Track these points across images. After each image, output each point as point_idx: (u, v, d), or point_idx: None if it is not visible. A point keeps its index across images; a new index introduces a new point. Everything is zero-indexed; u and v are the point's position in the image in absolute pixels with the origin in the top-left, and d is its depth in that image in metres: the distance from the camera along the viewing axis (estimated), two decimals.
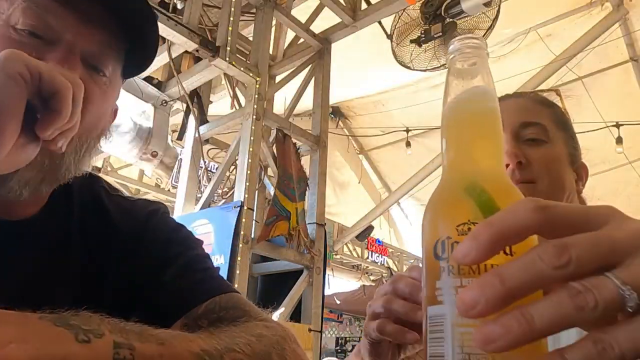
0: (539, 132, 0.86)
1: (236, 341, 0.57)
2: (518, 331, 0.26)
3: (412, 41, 3.67)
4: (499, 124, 0.37)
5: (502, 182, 0.36)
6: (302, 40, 3.87)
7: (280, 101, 3.91)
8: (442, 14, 3.43)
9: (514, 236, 0.29)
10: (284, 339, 0.64)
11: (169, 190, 5.64)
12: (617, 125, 5.05)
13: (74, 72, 0.63)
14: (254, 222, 3.03)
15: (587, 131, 4.44)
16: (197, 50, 3.03)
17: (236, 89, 3.81)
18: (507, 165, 0.84)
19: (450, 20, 3.44)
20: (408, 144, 6.07)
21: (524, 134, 0.86)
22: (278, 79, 3.88)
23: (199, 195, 3.56)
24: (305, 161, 3.57)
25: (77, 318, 0.44)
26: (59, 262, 0.68)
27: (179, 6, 3.27)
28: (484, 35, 3.48)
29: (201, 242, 0.82)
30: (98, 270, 0.71)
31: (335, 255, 8.05)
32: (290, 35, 3.96)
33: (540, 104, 0.93)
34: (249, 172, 3.05)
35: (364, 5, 3.68)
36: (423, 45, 3.62)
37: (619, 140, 5.02)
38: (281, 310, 3.04)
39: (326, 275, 3.60)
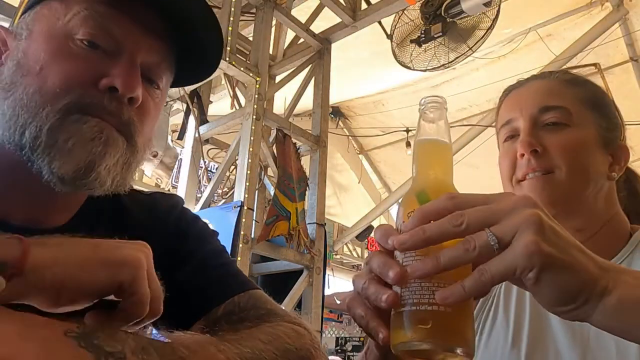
0: (560, 115, 0.80)
1: (261, 356, 0.54)
2: (430, 265, 0.44)
3: (412, 41, 3.67)
4: (447, 154, 0.55)
5: (441, 188, 0.52)
6: (302, 40, 3.87)
7: (280, 101, 3.91)
8: (442, 14, 3.43)
9: (433, 217, 0.46)
10: (312, 354, 0.61)
11: (169, 190, 5.64)
12: None
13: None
14: (254, 222, 3.02)
15: None
16: None
17: (236, 89, 3.81)
18: (522, 155, 0.79)
19: (451, 20, 3.45)
20: (408, 144, 6.07)
21: (543, 119, 0.80)
22: (278, 79, 3.88)
23: (199, 195, 3.56)
24: (305, 161, 3.57)
25: (102, 336, 0.43)
26: None
27: None
28: (483, 36, 3.49)
29: (217, 233, 0.80)
30: None
31: (335, 255, 8.05)
32: (290, 35, 3.96)
33: (566, 84, 0.85)
34: (249, 172, 3.05)
35: (364, 5, 3.67)
36: (423, 45, 3.62)
37: None
38: None
39: (326, 275, 3.59)
